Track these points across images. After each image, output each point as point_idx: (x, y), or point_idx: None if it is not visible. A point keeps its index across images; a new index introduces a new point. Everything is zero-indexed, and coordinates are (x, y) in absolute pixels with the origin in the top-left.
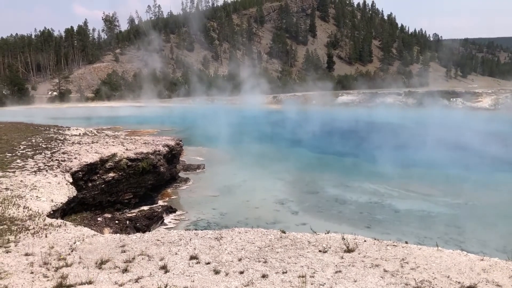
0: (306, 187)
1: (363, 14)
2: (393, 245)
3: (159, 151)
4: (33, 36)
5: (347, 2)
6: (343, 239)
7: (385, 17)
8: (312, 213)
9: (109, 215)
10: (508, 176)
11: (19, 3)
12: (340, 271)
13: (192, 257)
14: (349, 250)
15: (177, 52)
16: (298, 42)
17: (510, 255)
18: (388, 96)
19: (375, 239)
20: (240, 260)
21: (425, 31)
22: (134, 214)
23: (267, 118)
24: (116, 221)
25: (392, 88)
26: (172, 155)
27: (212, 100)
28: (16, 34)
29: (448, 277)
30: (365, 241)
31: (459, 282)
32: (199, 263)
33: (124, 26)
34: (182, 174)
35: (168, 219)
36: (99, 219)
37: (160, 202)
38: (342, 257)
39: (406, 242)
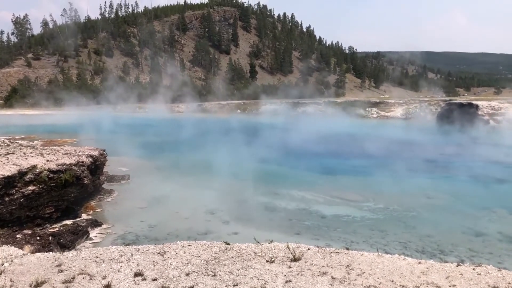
0: (236, 196)
1: (283, 25)
2: (337, 252)
3: (82, 162)
4: None
5: (268, 13)
6: (288, 248)
7: (304, 30)
8: (243, 221)
9: (29, 231)
10: (422, 181)
11: None
12: (290, 281)
13: (136, 274)
14: (295, 259)
15: (95, 57)
16: (221, 51)
17: (430, 255)
18: (309, 106)
19: (318, 247)
20: (188, 274)
21: (341, 44)
22: (57, 229)
23: (192, 127)
24: (38, 237)
25: (312, 98)
26: (96, 166)
27: (135, 108)
28: None
29: (392, 281)
30: (309, 249)
31: (403, 286)
32: (145, 279)
33: (37, 29)
34: (106, 186)
35: (94, 233)
36: (18, 236)
37: (84, 216)
38: (289, 266)
39: (347, 248)
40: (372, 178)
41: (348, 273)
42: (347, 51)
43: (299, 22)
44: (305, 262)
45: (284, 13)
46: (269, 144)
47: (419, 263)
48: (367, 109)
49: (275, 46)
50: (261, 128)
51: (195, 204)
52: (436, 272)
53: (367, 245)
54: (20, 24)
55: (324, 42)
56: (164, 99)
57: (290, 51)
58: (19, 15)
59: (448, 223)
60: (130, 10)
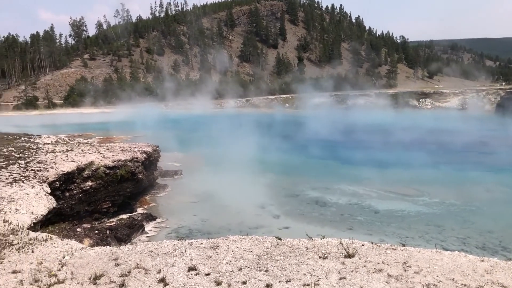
0: (286, 190)
1: (331, 17)
2: (392, 249)
3: (137, 158)
4: None
5: (316, 5)
6: (341, 243)
7: (353, 20)
8: (294, 216)
9: (88, 225)
10: (481, 174)
11: None
12: (344, 278)
13: (190, 268)
14: (349, 255)
15: (147, 56)
16: (269, 46)
17: (491, 251)
18: (359, 98)
19: (373, 243)
20: (240, 269)
21: (392, 34)
22: (114, 223)
23: (240, 122)
24: (96, 231)
25: (362, 89)
26: (150, 162)
27: (185, 104)
28: None
29: (453, 279)
30: (363, 245)
31: (465, 285)
32: (199, 274)
33: (92, 31)
34: (159, 181)
35: (148, 227)
36: (78, 229)
37: (139, 210)
38: (343, 263)
39: (403, 245)
40: (427, 171)
41: (405, 270)
42: (398, 41)
43: (348, 13)
44: (360, 259)
45: (332, 5)
46: (319, 138)
47: (482, 260)
48: (420, 100)
49: (323, 38)
50: (310, 122)
51: (245, 198)
52: (502, 271)
53: (423, 241)
54: (77, 26)
55: (374, 32)
56: (213, 95)
57: (339, 43)
58: (76, 18)
59: (511, 218)
60: (180, 8)
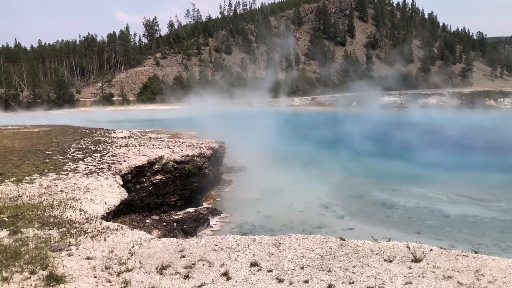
0: (351, 191)
1: (402, 13)
2: (463, 255)
3: (204, 153)
4: (77, 42)
5: (386, 1)
6: (408, 247)
7: (426, 16)
8: (359, 217)
9: (156, 217)
10: None
11: (65, 11)
12: (410, 283)
13: (252, 264)
14: (416, 260)
15: (216, 55)
16: (336, 43)
17: None
18: (430, 97)
19: (442, 248)
20: (302, 268)
21: (468, 30)
22: (181, 216)
23: (306, 120)
24: (164, 223)
25: (435, 88)
26: (216, 158)
27: (250, 103)
28: (62, 40)
29: None
30: (431, 250)
31: None
32: (261, 270)
33: (164, 30)
34: (224, 176)
35: (213, 221)
36: (147, 221)
37: (205, 204)
38: (410, 267)
39: (476, 252)
40: (505, 176)
41: (477, 279)
42: (475, 37)
43: (420, 9)
44: (427, 264)
45: (404, 1)
46: (387, 138)
47: None
48: (498, 100)
49: (394, 35)
50: (379, 121)
51: (309, 197)
52: None
53: (498, 249)
54: (150, 26)
55: (448, 28)
56: (279, 93)
57: (410, 40)
58: (149, 18)
59: None
60: (248, 7)
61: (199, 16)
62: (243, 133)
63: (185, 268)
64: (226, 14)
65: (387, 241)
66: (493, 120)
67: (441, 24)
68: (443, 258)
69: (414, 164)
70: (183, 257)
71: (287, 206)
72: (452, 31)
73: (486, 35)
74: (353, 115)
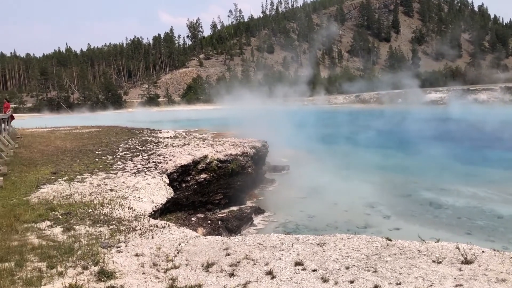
0: (397, 190)
1: (450, 6)
2: None
3: (247, 152)
4: (124, 45)
5: None
6: (458, 248)
7: (476, 9)
8: (405, 217)
9: (201, 215)
10: None
11: (111, 15)
12: (461, 285)
13: (297, 263)
14: (467, 262)
15: (258, 54)
16: (381, 39)
17: None
18: (481, 93)
19: (495, 250)
20: (347, 268)
21: None
22: (225, 214)
23: (350, 118)
24: (209, 221)
25: (485, 84)
26: (259, 157)
27: (294, 101)
28: (109, 43)
29: None
30: (483, 251)
31: None
32: (305, 269)
33: (207, 31)
34: (267, 175)
35: (257, 220)
36: (193, 219)
37: (248, 203)
38: (460, 269)
39: None
40: None
41: None
42: None
43: (470, 1)
44: (479, 266)
45: None
46: (435, 135)
47: None
48: None
49: (441, 30)
50: (425, 118)
51: (353, 196)
52: None
53: None
54: (193, 27)
55: (501, 20)
56: (322, 91)
57: (459, 34)
58: (193, 20)
59: None
60: (290, 5)
61: (241, 16)
62: (285, 132)
63: (230, 266)
64: (268, 13)
65: (435, 242)
66: None
67: (492, 16)
68: (496, 260)
69: (467, 163)
70: (228, 255)
71: (331, 205)
72: (504, 23)
73: None
74: (399, 112)
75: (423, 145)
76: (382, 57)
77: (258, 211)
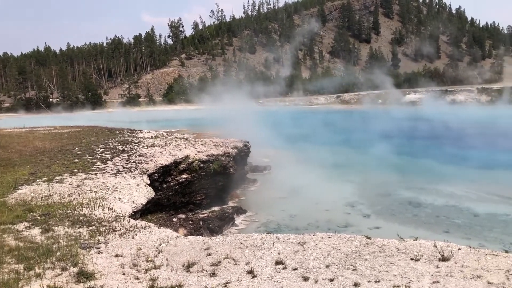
0: (377, 189)
1: (429, 9)
2: (493, 255)
3: (228, 152)
4: (104, 44)
5: None
6: (435, 246)
7: (453, 11)
8: (385, 216)
9: (183, 216)
10: None
11: (92, 14)
12: (438, 282)
13: (277, 262)
14: (444, 259)
15: (239, 54)
16: (361, 40)
17: None
18: (458, 94)
19: (471, 247)
20: (327, 266)
21: (498, 24)
22: (206, 214)
23: (330, 118)
24: (190, 222)
25: (462, 85)
26: (241, 157)
27: (276, 101)
28: (90, 42)
29: None
30: (459, 249)
31: None
32: (286, 268)
33: (188, 31)
34: (249, 175)
35: (239, 220)
36: (174, 219)
37: (230, 203)
38: (437, 266)
39: (507, 251)
40: None
41: (508, 278)
42: (505, 32)
43: (447, 4)
44: (455, 263)
45: None
46: (413, 136)
47: None
48: None
49: (420, 31)
50: (403, 118)
51: (334, 196)
52: None
53: None
54: (175, 27)
55: (477, 23)
56: (303, 92)
57: (437, 36)
58: (174, 19)
59: None
60: (271, 6)
61: (223, 17)
62: (267, 132)
63: (211, 265)
64: (250, 13)
65: (413, 240)
66: None
67: (469, 18)
68: (472, 257)
69: (445, 163)
70: (209, 255)
71: (312, 205)
72: (481, 26)
73: None
74: (379, 113)
75: (405, 146)
76: (362, 58)
77: (240, 211)
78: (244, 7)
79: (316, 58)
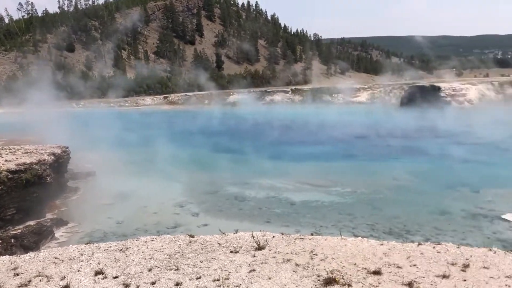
0: (205, 188)
1: (247, 14)
2: (301, 238)
3: (44, 160)
4: None
5: (232, 2)
6: (253, 237)
7: (269, 18)
8: (213, 213)
9: None
10: (388, 164)
11: None
12: (254, 270)
13: (97, 273)
14: (260, 248)
15: (56, 52)
16: (186, 42)
17: (397, 235)
18: (276, 94)
19: (283, 234)
20: (150, 270)
21: (306, 31)
22: (20, 230)
23: (156, 119)
24: None
25: (280, 86)
26: (59, 164)
27: (97, 103)
28: None
29: (355, 264)
30: (273, 236)
31: (365, 268)
32: (106, 278)
33: None
34: (71, 183)
35: (59, 232)
36: None
37: (49, 215)
38: (254, 256)
39: (312, 234)
40: (339, 164)
41: (311, 258)
42: (312, 38)
43: (264, 10)
44: (270, 250)
45: (248, 2)
46: (235, 134)
47: (381, 244)
48: (333, 95)
49: (240, 35)
50: (227, 118)
51: (163, 198)
52: (398, 253)
53: (336, 229)
54: None
55: (289, 29)
56: (128, 92)
57: (256, 40)
58: None
59: (414, 204)
60: (90, 2)
61: (34, 11)
62: (90, 135)
63: (19, 287)
64: (66, 9)
65: (234, 233)
66: (329, 114)
67: (282, 25)
68: (284, 243)
69: (265, 158)
70: (17, 275)
71: (140, 209)
72: (292, 32)
73: (321, 36)
74: (205, 113)
75: (229, 144)
76: (188, 59)
77: (60, 222)
78: (59, 1)
79: (141, 58)
